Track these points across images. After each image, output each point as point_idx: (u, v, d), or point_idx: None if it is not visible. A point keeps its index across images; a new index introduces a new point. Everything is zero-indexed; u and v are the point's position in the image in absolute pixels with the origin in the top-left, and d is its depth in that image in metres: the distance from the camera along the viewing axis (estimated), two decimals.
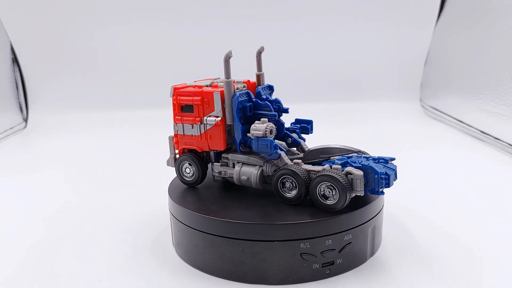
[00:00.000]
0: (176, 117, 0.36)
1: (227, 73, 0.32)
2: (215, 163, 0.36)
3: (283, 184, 0.32)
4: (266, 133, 0.32)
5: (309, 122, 0.37)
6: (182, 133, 0.36)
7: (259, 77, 0.36)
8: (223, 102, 0.33)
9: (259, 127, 0.32)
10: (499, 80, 0.69)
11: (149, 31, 0.91)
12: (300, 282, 0.31)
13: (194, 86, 0.36)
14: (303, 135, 0.37)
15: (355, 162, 0.31)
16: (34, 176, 0.60)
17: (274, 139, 0.35)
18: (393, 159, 0.33)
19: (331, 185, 0.30)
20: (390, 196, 0.42)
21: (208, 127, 0.34)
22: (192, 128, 0.35)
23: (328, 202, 0.30)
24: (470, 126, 0.75)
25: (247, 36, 0.88)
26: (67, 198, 0.50)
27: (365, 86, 0.96)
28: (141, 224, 0.42)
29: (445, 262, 0.34)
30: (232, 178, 0.35)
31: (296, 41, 0.93)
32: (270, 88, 0.37)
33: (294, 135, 0.36)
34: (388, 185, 0.30)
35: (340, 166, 0.30)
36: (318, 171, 0.31)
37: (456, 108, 0.81)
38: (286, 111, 0.36)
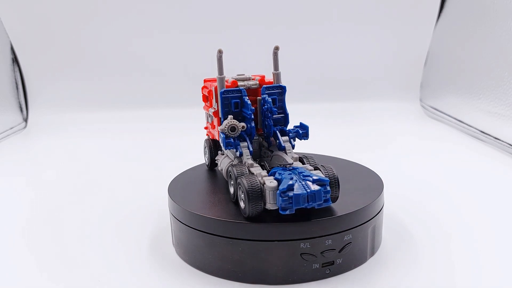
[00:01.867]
0: (205, 104, 0.40)
1: (220, 70, 0.34)
2: (219, 151, 0.40)
3: (231, 179, 0.34)
4: (224, 129, 0.33)
5: (304, 128, 0.36)
6: (207, 120, 0.41)
7: (275, 76, 0.36)
8: (217, 96, 0.35)
9: (223, 123, 0.33)
10: (499, 80, 0.69)
11: (149, 31, 0.91)
12: (300, 282, 0.31)
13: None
14: (297, 140, 0.36)
15: (281, 174, 0.29)
16: (34, 176, 0.60)
17: (268, 140, 0.36)
18: (326, 180, 0.29)
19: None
20: (390, 196, 0.42)
21: (212, 117, 0.38)
22: (209, 116, 0.39)
23: (242, 205, 0.30)
24: (470, 126, 0.75)
25: (250, 38, 0.88)
26: (67, 198, 0.50)
27: (365, 86, 0.96)
28: (141, 224, 0.42)
29: (445, 262, 0.34)
30: None
31: (296, 42, 0.93)
32: (281, 88, 0.36)
33: (285, 138, 0.35)
34: (292, 204, 0.27)
35: (266, 174, 0.30)
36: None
37: (456, 108, 0.81)
38: (274, 112, 0.35)
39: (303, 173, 0.29)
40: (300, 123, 0.37)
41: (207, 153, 0.42)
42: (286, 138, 0.35)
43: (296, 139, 0.36)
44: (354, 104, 0.93)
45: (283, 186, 0.28)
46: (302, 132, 0.35)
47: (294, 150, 0.35)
